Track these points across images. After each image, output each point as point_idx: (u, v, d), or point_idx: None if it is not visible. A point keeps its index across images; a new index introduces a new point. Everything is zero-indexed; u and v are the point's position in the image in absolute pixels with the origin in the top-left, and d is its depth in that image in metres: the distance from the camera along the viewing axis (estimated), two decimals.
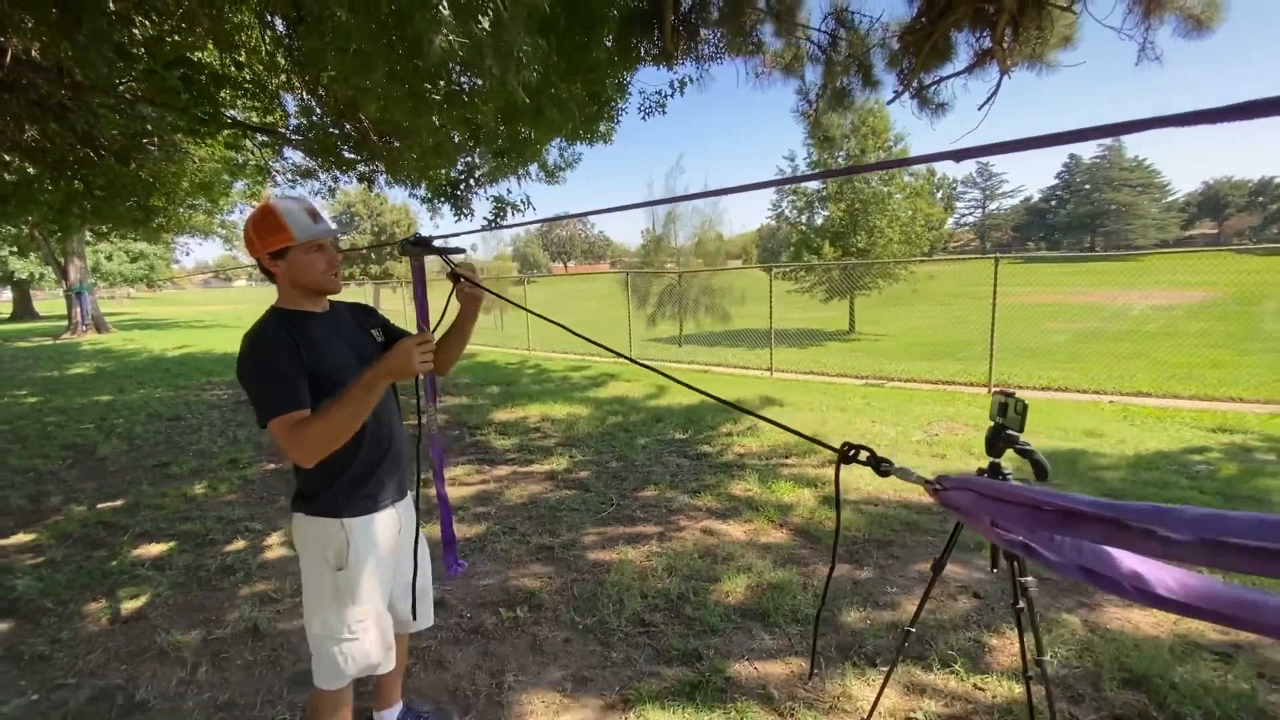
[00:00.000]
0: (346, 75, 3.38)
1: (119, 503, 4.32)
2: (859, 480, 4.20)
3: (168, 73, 6.18)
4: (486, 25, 2.81)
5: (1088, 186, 74.90)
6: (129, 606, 2.93)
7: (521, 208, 5.93)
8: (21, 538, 3.78)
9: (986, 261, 7.86)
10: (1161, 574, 0.77)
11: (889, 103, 5.84)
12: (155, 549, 3.54)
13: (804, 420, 5.95)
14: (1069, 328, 17.33)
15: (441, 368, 1.78)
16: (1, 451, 5.74)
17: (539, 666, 2.37)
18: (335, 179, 9.24)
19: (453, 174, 6.56)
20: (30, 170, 7.93)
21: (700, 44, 4.74)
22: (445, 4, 2.66)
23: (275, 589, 3.02)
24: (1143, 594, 0.76)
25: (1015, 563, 1.62)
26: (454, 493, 4.28)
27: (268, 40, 6.41)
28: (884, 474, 0.97)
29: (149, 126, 8.72)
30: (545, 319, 1.77)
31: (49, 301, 37.22)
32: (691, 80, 5.37)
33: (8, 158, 7.54)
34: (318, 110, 7.26)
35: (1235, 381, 7.41)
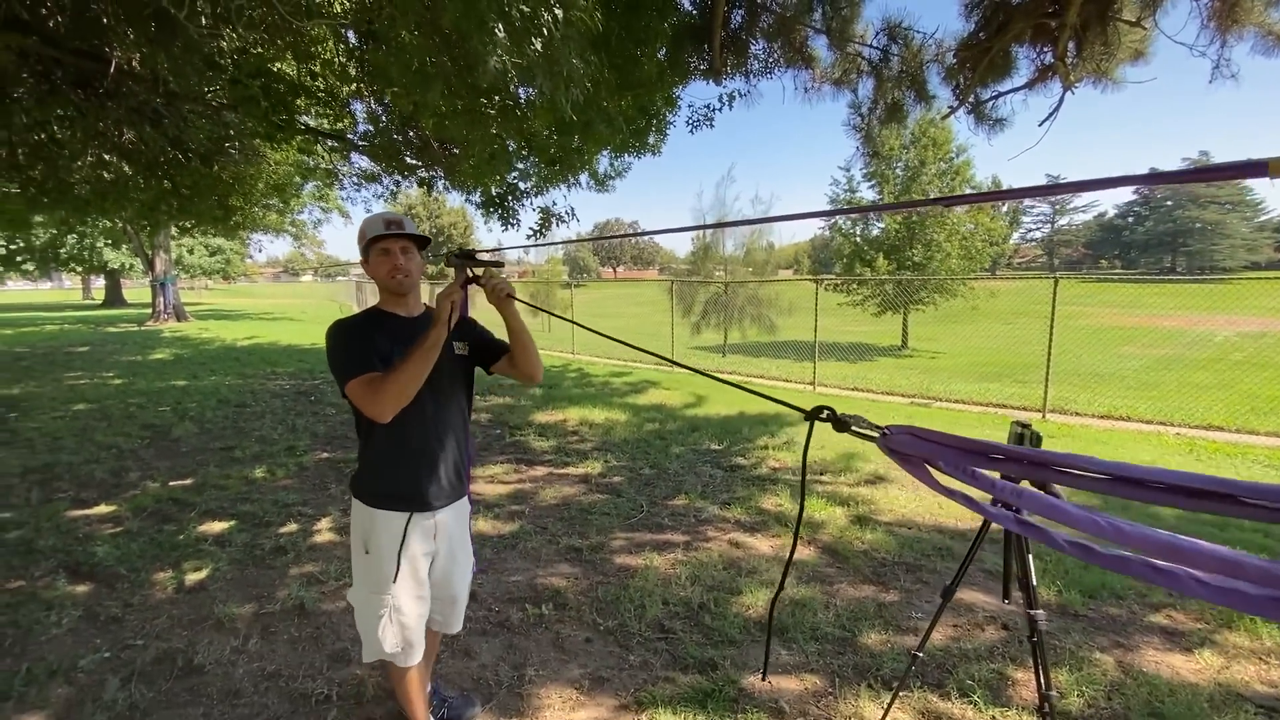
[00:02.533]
0: (408, 90, 3.59)
1: (188, 481, 4.67)
2: (893, 501, 4.14)
3: (250, 82, 6.64)
4: (539, 46, 2.94)
5: (1169, 203, 70.51)
6: (192, 578, 3.18)
7: (566, 218, 6.09)
8: (103, 509, 4.14)
9: (1051, 280, 7.57)
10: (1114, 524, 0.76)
11: (943, 118, 5.77)
12: (217, 526, 3.82)
13: (837, 439, 5.86)
14: (1144, 353, 16.40)
15: (526, 375, 1.87)
16: (90, 429, 6.26)
17: (559, 663, 2.46)
18: (397, 183, 9.68)
19: (506, 181, 6.78)
20: (126, 170, 8.59)
21: (749, 59, 4.78)
22: (500, 26, 2.80)
23: (321, 571, 3.22)
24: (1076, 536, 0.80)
25: (1027, 593, 1.61)
26: (490, 490, 4.45)
27: (341, 52, 6.81)
28: (842, 429, 1.03)
29: (231, 132, 9.32)
30: (581, 325, 1.86)
31: (136, 290, 40.01)
32: (740, 95, 5.43)
33: (108, 158, 8.21)
34: (383, 118, 7.65)
35: None
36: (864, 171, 21.11)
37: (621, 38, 4.66)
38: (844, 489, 4.41)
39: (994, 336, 19.85)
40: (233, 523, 3.87)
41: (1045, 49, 5.05)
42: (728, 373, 10.84)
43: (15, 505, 4.20)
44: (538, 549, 3.45)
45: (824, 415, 1.10)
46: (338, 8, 6.17)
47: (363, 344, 1.67)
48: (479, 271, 1.77)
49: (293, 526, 3.81)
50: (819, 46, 4.95)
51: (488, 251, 2.03)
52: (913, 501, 4.13)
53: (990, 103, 5.55)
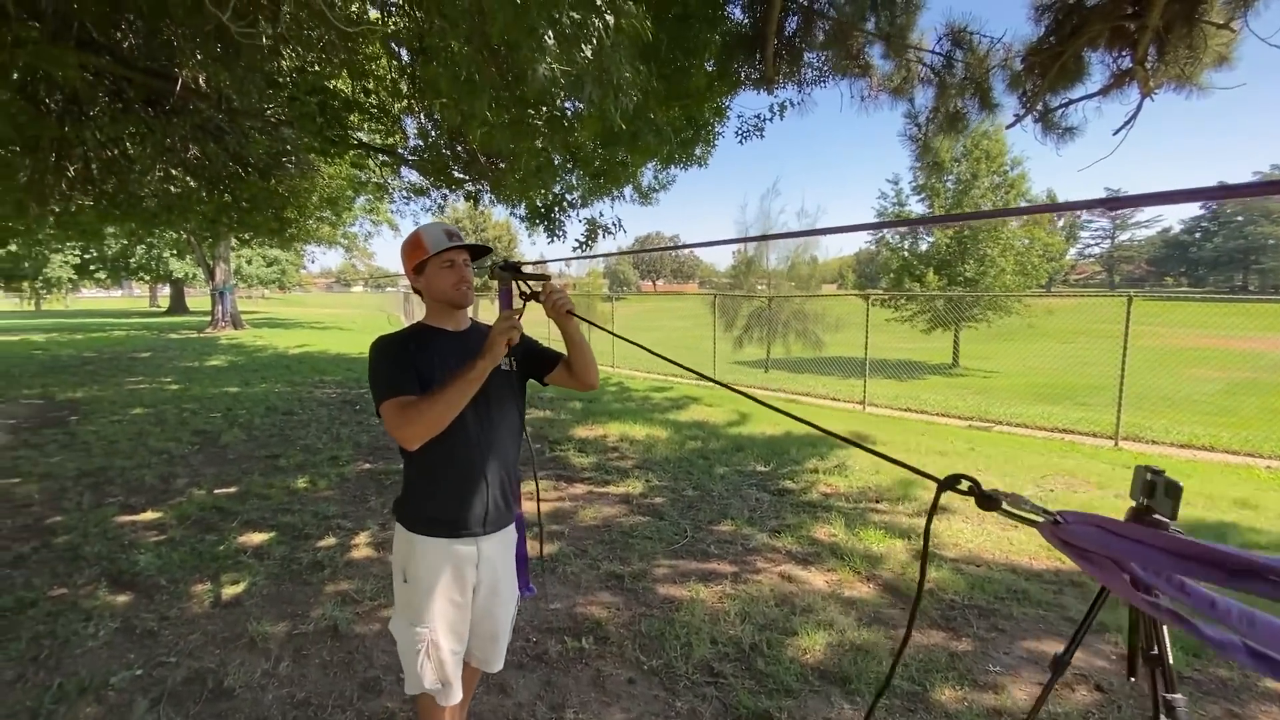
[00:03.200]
0: (456, 101, 3.54)
1: (233, 489, 4.70)
2: (957, 534, 3.84)
3: (306, 99, 6.81)
4: (589, 53, 2.84)
5: (1240, 218, 66.73)
6: (229, 592, 3.13)
7: (613, 229, 5.99)
8: (149, 515, 4.18)
9: (1116, 298, 7.09)
10: None
11: (1009, 127, 5.44)
12: (257, 538, 3.79)
13: (890, 465, 5.55)
14: (1219, 376, 15.36)
15: (585, 384, 1.77)
16: (144, 433, 6.43)
17: (600, 705, 2.29)
18: (445, 196, 9.81)
19: (551, 194, 6.75)
20: (191, 184, 8.93)
21: (803, 67, 4.61)
22: (550, 33, 2.71)
23: (356, 589, 3.14)
24: None
25: (1161, 672, 1.37)
26: (529, 507, 4.32)
27: (393, 69, 6.95)
28: (990, 507, 0.82)
29: (288, 146, 9.63)
30: (626, 340, 1.71)
31: (198, 298, 41.98)
32: (792, 104, 5.25)
33: (174, 172, 8.55)
34: (432, 133, 7.77)
35: None
36: (913, 185, 20.60)
37: (671, 48, 4.55)
38: (902, 519, 4.12)
39: (1052, 356, 18.95)
40: (272, 534, 3.84)
41: (1122, 53, 4.73)
42: (773, 390, 10.55)
43: (67, 509, 4.28)
44: (578, 574, 3.30)
45: (965, 487, 0.84)
46: (390, 27, 6.30)
47: (401, 363, 1.57)
48: (536, 286, 1.65)
49: (331, 540, 3.76)
50: (875, 54, 4.75)
51: (532, 264, 1.91)
52: (978, 535, 3.82)
53: (1060, 111, 5.24)
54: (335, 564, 3.43)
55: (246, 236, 18.89)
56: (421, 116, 7.60)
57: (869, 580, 3.23)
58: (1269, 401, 11.21)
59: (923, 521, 4.07)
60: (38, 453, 5.71)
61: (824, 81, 4.77)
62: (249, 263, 34.31)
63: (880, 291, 17.84)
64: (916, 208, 21.37)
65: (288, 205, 11.61)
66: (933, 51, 4.47)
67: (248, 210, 10.91)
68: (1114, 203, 0.89)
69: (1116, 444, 6.71)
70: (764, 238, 19.31)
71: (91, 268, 31.72)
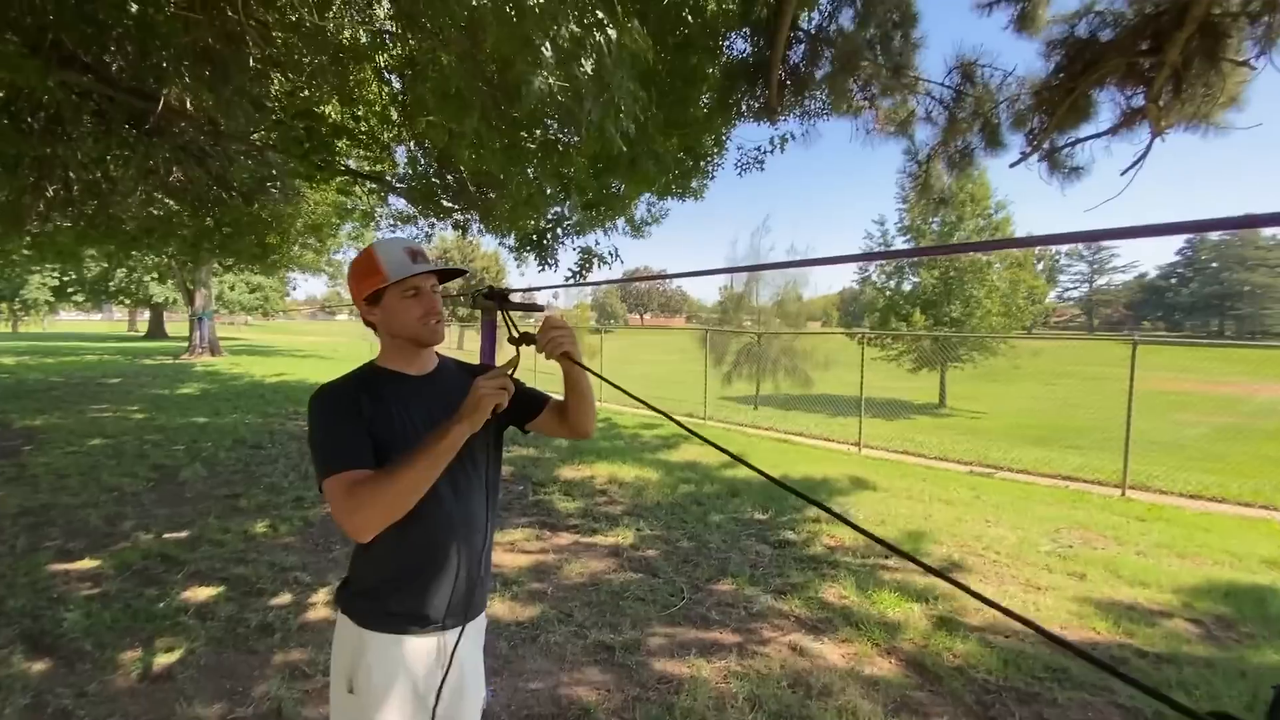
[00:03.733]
0: (445, 120, 3.31)
1: (184, 534, 4.27)
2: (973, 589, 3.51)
3: (294, 123, 6.60)
4: (588, 68, 2.62)
5: (1215, 265, 68.69)
6: (161, 661, 2.72)
7: (609, 259, 5.76)
8: (87, 563, 3.75)
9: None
10: None
11: (1013, 165, 5.33)
12: (204, 593, 3.38)
13: (903, 511, 5.26)
14: (1202, 420, 15.34)
15: (580, 431, 1.47)
16: (97, 467, 5.97)
17: None
18: (433, 225, 9.60)
19: (541, 224, 6.55)
20: (172, 206, 8.66)
21: (807, 98, 4.46)
22: (548, 45, 2.49)
23: (308, 661, 2.74)
24: None
25: None
26: (510, 561, 3.95)
27: (383, 94, 6.80)
28: None
29: (273, 171, 9.43)
30: (618, 388, 1.41)
31: (178, 323, 41.22)
32: (792, 137, 5.11)
33: (156, 195, 8.27)
34: (422, 161, 7.61)
35: None
36: (899, 225, 20.87)
37: (670, 76, 4.39)
38: (915, 578, 3.80)
39: (1038, 398, 18.91)
40: (221, 588, 3.43)
41: (1135, 91, 4.64)
42: (764, 429, 10.26)
43: None
44: (562, 644, 2.92)
45: None
46: (381, 59, 6.16)
47: (349, 425, 1.23)
48: (528, 324, 1.36)
49: (286, 597, 3.35)
50: (879, 87, 4.62)
51: (522, 291, 1.63)
52: (1000, 599, 3.51)
53: (1066, 150, 5.14)
54: (287, 627, 3.03)
55: (228, 262, 18.57)
56: (411, 144, 7.44)
57: (889, 654, 2.89)
58: (1259, 448, 11.11)
59: (938, 580, 3.74)
60: None
61: (827, 114, 4.62)
62: (231, 289, 33.84)
63: (869, 330, 17.78)
64: (902, 246, 21.57)
65: (271, 231, 11.38)
66: (942, 84, 4.34)
67: (230, 235, 10.65)
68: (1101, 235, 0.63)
69: (1124, 493, 6.46)
70: (754, 268, 19.30)
71: (70, 290, 31.07)
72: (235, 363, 19.47)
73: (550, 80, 2.56)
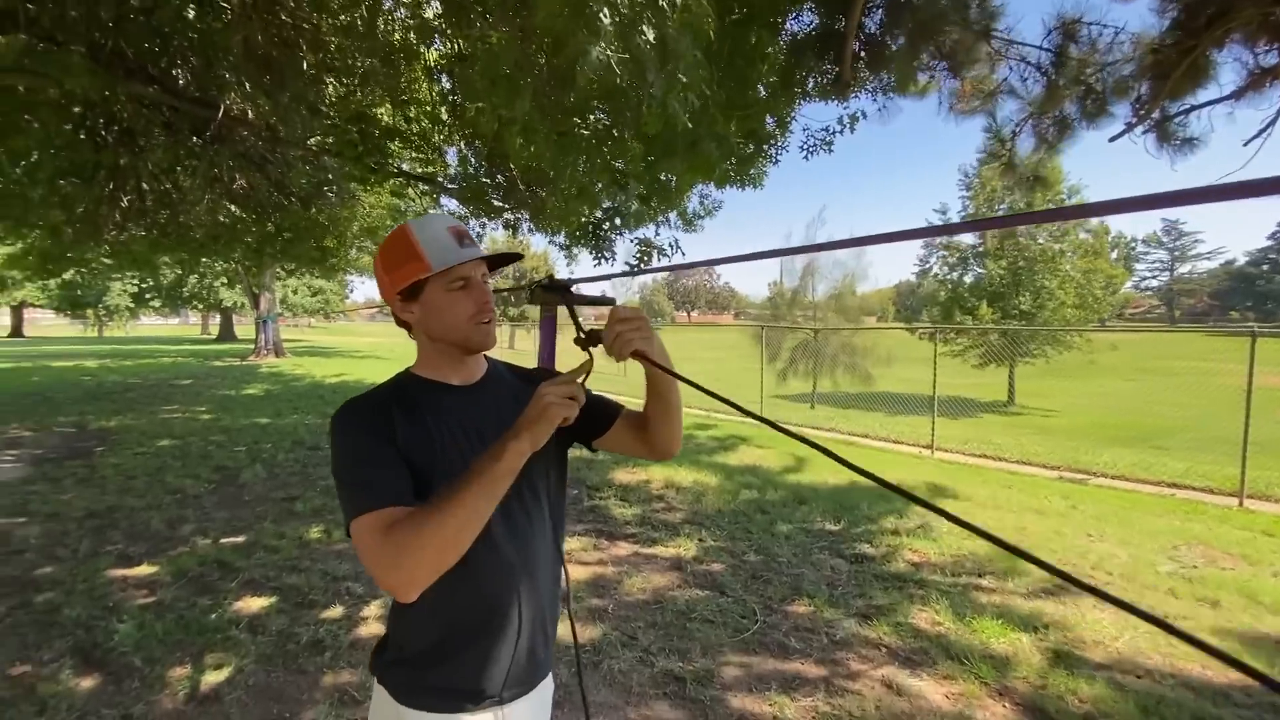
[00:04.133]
0: (495, 105, 3.10)
1: (241, 539, 4.23)
2: (1095, 625, 3.07)
3: (348, 127, 6.61)
4: (650, 36, 2.35)
5: None
6: (210, 680, 2.61)
7: (669, 251, 5.45)
8: (145, 569, 3.73)
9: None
10: None
11: (1113, 139, 4.77)
12: (256, 604, 3.29)
13: (991, 524, 4.78)
14: None
15: (663, 450, 1.19)
16: (164, 468, 6.10)
17: None
18: (484, 225, 9.55)
19: (594, 217, 6.34)
20: (236, 212, 8.91)
21: (884, 73, 4.06)
22: (605, 10, 2.23)
23: (357, 685, 2.57)
24: None
25: None
26: (570, 573, 3.72)
27: (434, 95, 6.76)
28: None
29: (329, 175, 9.58)
30: (712, 394, 1.13)
31: (246, 326, 43.30)
32: (864, 115, 4.70)
33: (222, 202, 8.51)
34: (473, 161, 7.55)
35: None
36: (961, 214, 19.84)
37: (731, 54, 4.08)
38: (1017, 601, 3.38)
39: (1114, 395, 17.60)
40: (273, 599, 3.33)
41: (1267, 48, 4.05)
42: (826, 430, 9.78)
43: (61, 558, 3.87)
44: (627, 672, 2.66)
45: None
46: (431, 57, 6.08)
47: (379, 450, 0.98)
48: (594, 322, 1.09)
49: (337, 610, 3.22)
50: (968, 53, 4.17)
51: (579, 282, 1.37)
52: (1127, 629, 3.05)
53: (1179, 119, 4.56)
54: (338, 644, 2.88)
55: (290, 266, 19.22)
56: (461, 144, 7.38)
57: (1001, 695, 2.51)
58: None
59: (1046, 604, 3.31)
60: (52, 487, 5.40)
61: (903, 87, 4.21)
62: (294, 292, 35.22)
63: (933, 325, 16.92)
64: (967, 238, 20.48)
65: (328, 235, 11.63)
66: (1040, 47, 3.87)
67: (290, 240, 10.95)
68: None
69: (1241, 503, 5.77)
70: (792, 250, 18.60)
71: (148, 296, 33.00)
72: (298, 364, 20.14)
73: (609, 50, 2.30)
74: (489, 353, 1.18)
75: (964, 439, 8.68)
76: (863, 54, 3.91)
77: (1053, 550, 4.18)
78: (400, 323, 1.11)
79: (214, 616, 3.13)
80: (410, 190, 10.19)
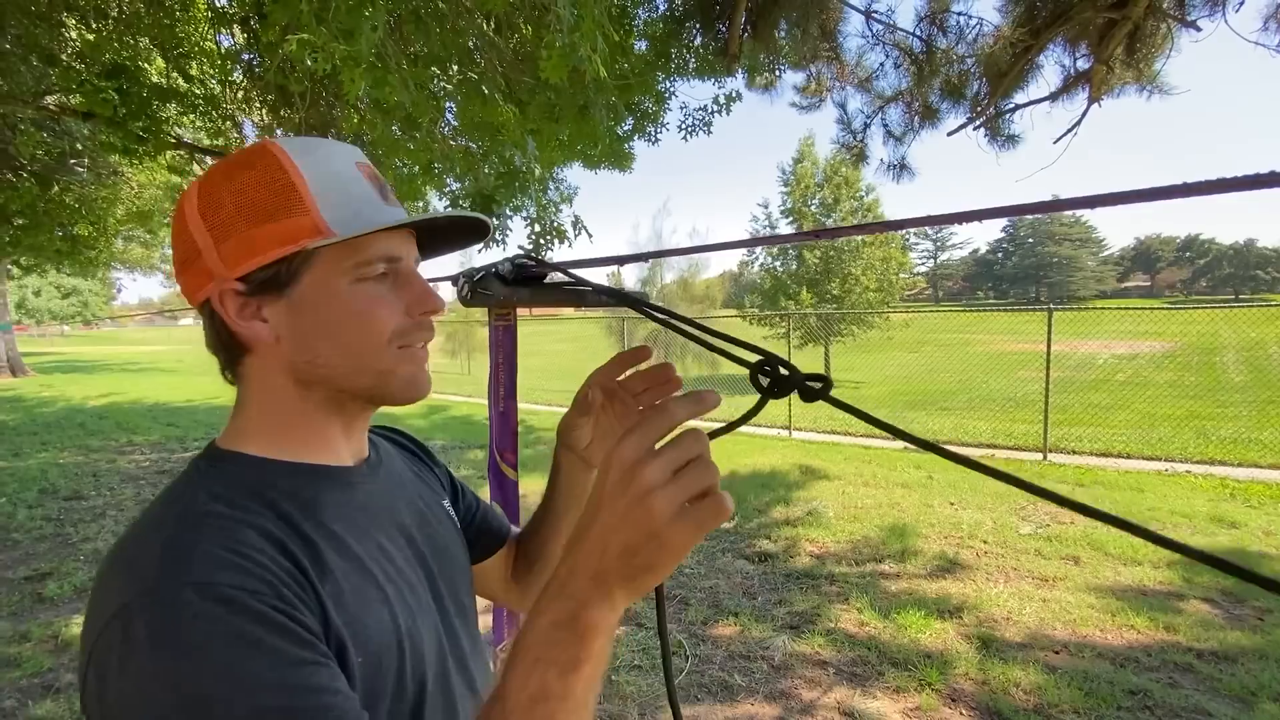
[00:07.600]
0: (323, 42, 2.31)
1: None
2: (999, 601, 3.15)
3: (102, 83, 5.13)
4: None
5: (1031, 240, 78.91)
6: None
7: (572, 236, 4.76)
8: None
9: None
10: None
11: (951, 134, 5.11)
12: None
13: (869, 503, 4.93)
14: (1037, 376, 17.04)
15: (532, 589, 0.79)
16: None
17: None
18: None
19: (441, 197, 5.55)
20: None
21: (775, 45, 3.86)
22: None
23: None
24: None
25: None
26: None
27: (221, 53, 5.52)
28: None
29: (78, 145, 7.65)
30: (884, 425, 0.72)
31: None
32: (739, 96, 4.52)
33: None
34: (279, 130, 6.27)
35: None
36: (782, 208, 21.80)
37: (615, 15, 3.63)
38: (921, 584, 3.41)
39: (904, 365, 20.35)
40: None
41: (1083, 52, 4.51)
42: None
43: None
44: None
45: None
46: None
47: (294, 641, 0.42)
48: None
49: None
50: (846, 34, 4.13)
51: (560, 268, 0.86)
52: (1017, 598, 3.18)
53: (1008, 115, 4.99)
54: None
55: (28, 261, 15.12)
56: (264, 112, 6.08)
57: (954, 700, 2.40)
58: (1089, 397, 12.21)
59: (949, 584, 3.37)
60: None
61: (787, 65, 4.08)
62: (36, 294, 28.34)
63: (759, 311, 18.11)
64: (786, 228, 22.34)
65: (80, 220, 9.31)
66: (913, 34, 3.93)
67: (25, 227, 8.55)
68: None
69: (1045, 457, 6.67)
70: (657, 255, 18.89)
71: None
72: (46, 384, 16.03)
73: None
74: None
75: (813, 418, 9.19)
76: (750, 24, 3.68)
77: (932, 524, 4.37)
78: (227, 343, 0.55)
79: None
80: (196, 166, 8.39)
